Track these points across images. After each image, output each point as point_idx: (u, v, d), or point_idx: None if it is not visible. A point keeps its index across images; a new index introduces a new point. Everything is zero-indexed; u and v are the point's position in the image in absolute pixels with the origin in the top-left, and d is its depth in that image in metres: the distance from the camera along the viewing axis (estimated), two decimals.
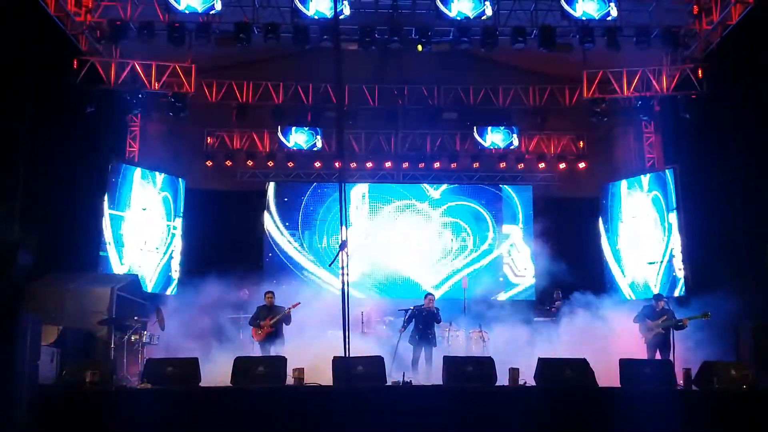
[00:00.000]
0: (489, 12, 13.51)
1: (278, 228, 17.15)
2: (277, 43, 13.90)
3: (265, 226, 17.02)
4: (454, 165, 17.37)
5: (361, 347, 9.73)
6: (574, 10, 13.47)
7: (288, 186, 17.47)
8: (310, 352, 10.32)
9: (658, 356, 11.42)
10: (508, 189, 17.56)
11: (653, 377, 9.16)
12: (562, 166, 17.38)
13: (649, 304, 12.30)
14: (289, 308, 11.76)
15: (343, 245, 6.73)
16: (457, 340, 13.44)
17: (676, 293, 14.67)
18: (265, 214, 17.11)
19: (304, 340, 11.70)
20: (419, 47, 14.16)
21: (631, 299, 15.52)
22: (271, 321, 11.59)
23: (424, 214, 17.38)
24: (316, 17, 13.47)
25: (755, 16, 12.72)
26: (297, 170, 17.38)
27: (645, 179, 16.15)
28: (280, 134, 16.76)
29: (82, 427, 8.03)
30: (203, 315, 13.38)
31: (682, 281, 14.84)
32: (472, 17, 13.52)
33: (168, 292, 15.61)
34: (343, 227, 6.75)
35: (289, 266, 16.90)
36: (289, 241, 17.08)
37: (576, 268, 15.22)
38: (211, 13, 13.48)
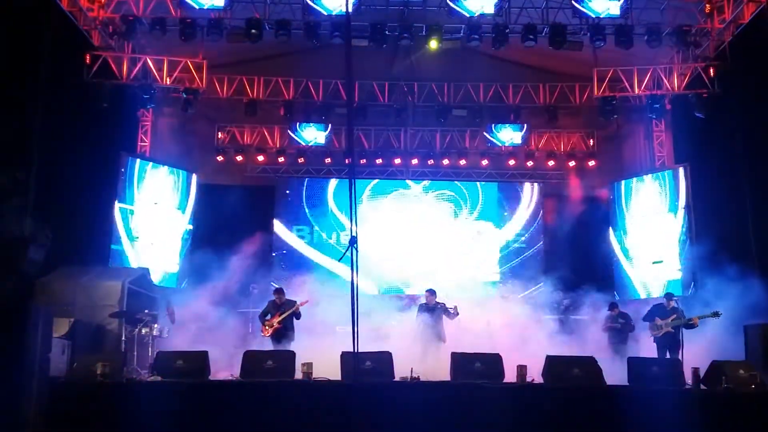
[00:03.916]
0: (490, 10, 13.42)
1: (287, 224, 17.26)
2: (288, 40, 13.92)
3: (274, 222, 17.14)
4: (463, 162, 17.40)
5: (370, 343, 9.73)
6: (586, 7, 13.42)
7: (298, 181, 17.53)
8: (318, 347, 10.36)
9: (667, 355, 11.45)
10: (517, 187, 17.58)
11: (662, 376, 9.15)
12: (572, 164, 17.36)
13: (659, 303, 12.32)
14: (298, 305, 11.72)
15: (352, 241, 6.76)
16: (465, 336, 13.44)
17: (685, 292, 14.66)
18: (275, 209, 17.24)
19: (313, 335, 11.75)
20: (431, 46, 14.12)
21: (640, 297, 15.53)
22: (279, 318, 11.58)
23: (433, 211, 17.42)
24: (327, 13, 13.49)
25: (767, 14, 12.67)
26: (307, 166, 17.44)
27: (655, 178, 16.14)
28: (290, 130, 16.83)
29: (93, 418, 8.11)
30: (213, 308, 13.44)
31: (691, 280, 14.82)
32: (485, 13, 13.46)
33: (178, 286, 15.70)
34: (353, 223, 6.78)
35: (298, 261, 17.03)
36: (297, 236, 17.21)
37: (585, 265, 15.22)
38: (225, 9, 13.49)
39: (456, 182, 17.53)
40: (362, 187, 17.30)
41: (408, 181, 17.55)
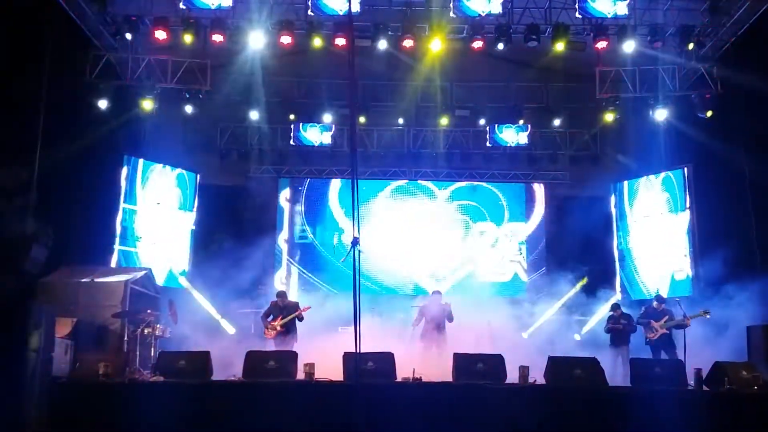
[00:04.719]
0: (498, 9, 13.41)
1: (291, 224, 17.30)
2: (290, 40, 13.90)
3: (277, 221, 17.20)
4: (465, 162, 17.38)
5: (372, 343, 9.75)
6: (589, 8, 13.39)
7: (300, 182, 17.55)
8: (320, 347, 10.37)
9: (663, 356, 11.47)
10: (519, 187, 17.58)
11: (664, 377, 9.15)
12: (575, 164, 17.34)
13: (650, 305, 12.34)
14: (300, 311, 11.73)
15: (355, 242, 6.75)
16: (467, 337, 13.44)
17: (687, 293, 14.64)
18: (278, 209, 17.29)
19: (316, 336, 11.75)
20: (434, 47, 14.12)
21: (644, 297, 15.50)
22: (282, 321, 11.59)
23: (436, 211, 17.45)
24: (329, 14, 13.48)
25: None
26: (309, 166, 17.44)
27: (657, 178, 16.12)
28: (293, 130, 16.82)
29: (95, 418, 8.13)
30: (215, 308, 13.47)
31: (693, 281, 14.81)
32: (484, 14, 13.46)
33: (180, 286, 15.70)
34: (355, 224, 6.77)
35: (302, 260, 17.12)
36: (301, 236, 17.25)
37: (588, 266, 15.19)
38: (224, 9, 13.48)
39: (469, 183, 17.59)
40: (377, 188, 17.43)
41: (429, 184, 17.61)
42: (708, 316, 11.32)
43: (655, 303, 12.14)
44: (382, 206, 17.42)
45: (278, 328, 11.52)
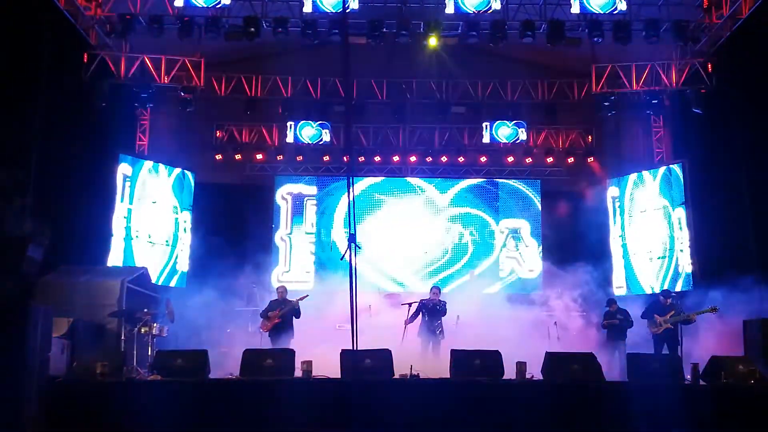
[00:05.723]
0: (497, 6, 13.46)
1: (287, 222, 17.29)
2: (285, 37, 13.90)
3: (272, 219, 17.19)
4: (461, 159, 17.38)
5: (369, 340, 9.76)
6: (586, 3, 13.39)
7: (296, 180, 17.53)
8: (318, 345, 10.37)
9: (665, 351, 11.48)
10: (516, 183, 17.59)
11: (661, 372, 9.16)
12: (571, 160, 17.35)
13: (656, 299, 12.34)
14: (297, 300, 11.83)
15: (351, 239, 6.76)
16: (465, 333, 13.44)
17: (683, 288, 14.66)
18: (274, 207, 17.27)
19: (313, 333, 11.76)
20: (429, 43, 14.12)
21: (641, 293, 15.54)
22: (279, 313, 11.67)
23: (432, 208, 17.44)
24: (324, 11, 13.47)
25: (766, 10, 12.65)
26: (305, 164, 17.41)
27: (653, 174, 16.12)
28: (289, 128, 16.81)
29: (92, 418, 8.11)
30: (212, 307, 13.45)
31: (689, 276, 14.81)
32: (480, 11, 13.48)
33: (177, 285, 15.70)
34: (352, 221, 6.78)
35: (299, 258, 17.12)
36: (297, 233, 17.24)
37: (583, 262, 15.21)
38: (219, 6, 13.47)
39: (467, 180, 17.61)
40: (374, 186, 17.43)
41: (427, 180, 17.62)
42: (716, 313, 11.34)
43: (661, 298, 12.15)
44: (379, 204, 17.38)
45: (276, 319, 11.61)
